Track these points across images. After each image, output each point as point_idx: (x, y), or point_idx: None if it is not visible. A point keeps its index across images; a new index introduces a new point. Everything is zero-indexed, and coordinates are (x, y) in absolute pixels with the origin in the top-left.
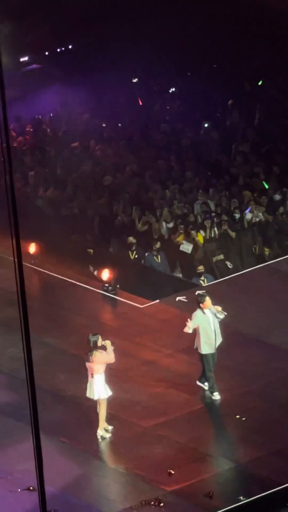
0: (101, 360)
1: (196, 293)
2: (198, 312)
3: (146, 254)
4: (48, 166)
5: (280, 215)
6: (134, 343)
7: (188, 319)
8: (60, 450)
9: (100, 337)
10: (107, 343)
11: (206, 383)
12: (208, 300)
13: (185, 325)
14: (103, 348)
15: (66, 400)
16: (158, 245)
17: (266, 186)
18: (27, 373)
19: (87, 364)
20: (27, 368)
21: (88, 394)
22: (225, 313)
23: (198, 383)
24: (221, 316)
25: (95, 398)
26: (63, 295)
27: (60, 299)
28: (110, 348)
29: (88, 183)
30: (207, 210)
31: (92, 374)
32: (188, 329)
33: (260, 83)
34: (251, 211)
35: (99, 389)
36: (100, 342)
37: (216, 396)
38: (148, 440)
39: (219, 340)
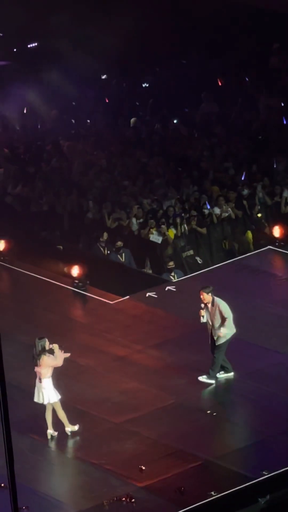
0: (48, 364)
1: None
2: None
3: (108, 252)
4: (17, 163)
5: (249, 210)
6: (104, 339)
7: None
8: (31, 447)
9: (47, 340)
10: (55, 346)
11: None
12: (206, 296)
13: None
14: (51, 351)
15: None
16: (120, 243)
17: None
18: None
19: (35, 368)
20: None
21: (36, 399)
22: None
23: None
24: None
25: (45, 402)
26: (33, 292)
27: (30, 296)
28: (57, 351)
29: (57, 179)
30: (176, 207)
31: (40, 379)
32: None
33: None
34: (219, 207)
35: (48, 393)
36: (47, 345)
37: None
38: (119, 436)
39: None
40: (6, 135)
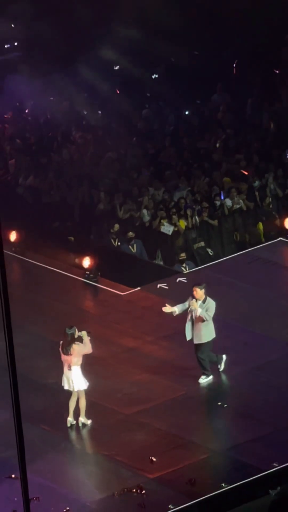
0: (80, 352)
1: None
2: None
3: (119, 244)
4: (28, 154)
5: (260, 202)
6: (115, 330)
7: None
8: (41, 437)
9: (76, 329)
10: (83, 334)
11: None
12: (199, 292)
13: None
14: (80, 339)
15: (48, 388)
16: (131, 234)
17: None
18: (8, 361)
19: (64, 356)
20: (8, 356)
21: (66, 387)
22: (204, 314)
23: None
24: (206, 317)
25: (75, 389)
26: (44, 282)
27: (41, 286)
28: (86, 339)
29: (68, 170)
30: (188, 198)
31: (69, 366)
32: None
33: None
34: (230, 198)
35: (78, 380)
36: (77, 333)
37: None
38: (130, 427)
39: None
40: (18, 126)
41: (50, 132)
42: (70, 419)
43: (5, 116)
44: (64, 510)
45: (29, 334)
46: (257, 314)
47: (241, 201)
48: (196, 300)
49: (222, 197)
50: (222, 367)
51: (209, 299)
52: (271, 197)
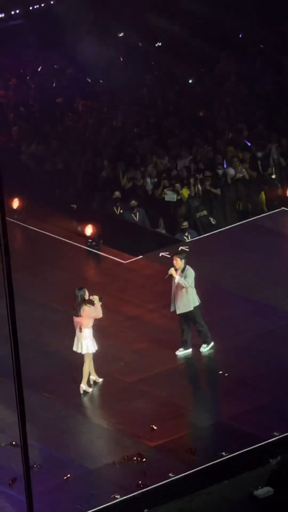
0: (90, 314)
1: (179, 249)
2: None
3: (122, 211)
4: (31, 121)
5: (263, 171)
6: (117, 298)
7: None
8: (43, 405)
9: (86, 290)
10: (95, 298)
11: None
12: (176, 259)
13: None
14: (91, 302)
15: (49, 355)
16: (134, 202)
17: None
18: (10, 328)
19: (75, 318)
20: (10, 323)
21: (75, 348)
22: (183, 281)
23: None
24: (185, 283)
25: (83, 352)
26: (46, 250)
27: (44, 254)
28: (98, 303)
29: (71, 138)
30: (191, 167)
31: (80, 328)
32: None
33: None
34: (234, 167)
35: (87, 343)
36: (87, 295)
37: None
38: (131, 395)
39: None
40: (22, 94)
41: (54, 100)
42: (83, 386)
43: (9, 83)
44: (65, 477)
45: (31, 301)
46: (259, 283)
47: (244, 170)
48: (176, 269)
49: (225, 166)
50: (206, 348)
51: (188, 268)
52: (274, 167)
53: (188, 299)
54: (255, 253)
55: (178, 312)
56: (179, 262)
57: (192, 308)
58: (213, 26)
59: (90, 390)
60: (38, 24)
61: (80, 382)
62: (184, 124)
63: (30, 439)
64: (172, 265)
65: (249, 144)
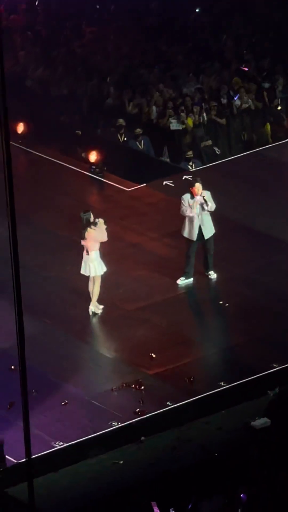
0: (95, 238)
1: (190, 177)
2: (186, 196)
3: (126, 139)
4: (38, 46)
5: (269, 103)
6: (119, 225)
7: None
8: (42, 330)
9: (91, 213)
10: (101, 221)
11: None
12: (198, 186)
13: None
14: (96, 225)
15: (50, 281)
16: (139, 130)
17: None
18: (11, 252)
19: (82, 241)
20: (11, 247)
21: (82, 271)
22: (211, 205)
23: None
24: (208, 207)
25: (92, 275)
26: (49, 175)
27: (47, 179)
28: (102, 226)
29: (78, 64)
30: (196, 96)
31: (87, 251)
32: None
33: None
34: (240, 98)
35: (95, 265)
36: (92, 218)
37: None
38: (131, 323)
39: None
40: (29, 18)
41: (61, 25)
42: (92, 307)
43: (16, 7)
44: (62, 403)
45: (32, 226)
46: (262, 214)
47: (249, 100)
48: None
49: (234, 97)
50: (214, 275)
51: (204, 192)
52: (280, 99)
53: (211, 224)
54: (259, 184)
55: (206, 236)
56: (200, 188)
57: (214, 232)
58: None
59: (99, 311)
60: None
61: (83, 307)
62: (190, 53)
63: (28, 364)
64: (184, 194)
65: (246, 69)
